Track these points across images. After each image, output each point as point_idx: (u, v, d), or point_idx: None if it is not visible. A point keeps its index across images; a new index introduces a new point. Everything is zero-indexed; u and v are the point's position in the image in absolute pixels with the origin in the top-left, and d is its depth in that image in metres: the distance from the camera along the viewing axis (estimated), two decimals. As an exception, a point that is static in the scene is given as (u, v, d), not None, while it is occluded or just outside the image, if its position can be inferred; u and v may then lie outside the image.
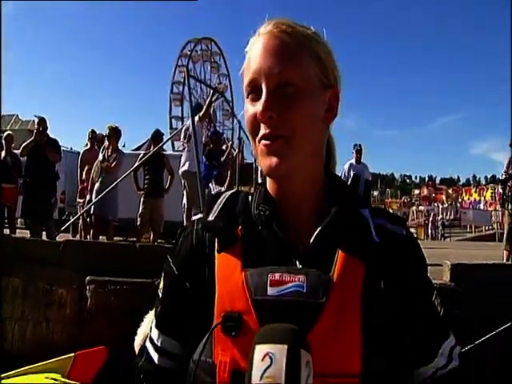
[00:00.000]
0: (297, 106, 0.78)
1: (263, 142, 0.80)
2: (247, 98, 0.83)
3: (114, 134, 7.17)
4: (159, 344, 0.89)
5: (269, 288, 0.75)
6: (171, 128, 34.24)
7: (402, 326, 0.81)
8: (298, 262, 0.80)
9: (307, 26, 0.85)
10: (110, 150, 7.08)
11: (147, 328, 2.25)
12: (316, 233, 0.81)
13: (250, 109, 0.81)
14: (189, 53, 35.60)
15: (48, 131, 6.88)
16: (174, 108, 34.78)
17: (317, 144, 0.84)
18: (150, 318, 2.24)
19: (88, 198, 7.34)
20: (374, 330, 0.75)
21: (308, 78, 0.80)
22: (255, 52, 0.81)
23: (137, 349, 2.28)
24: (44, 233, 6.63)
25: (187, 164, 6.85)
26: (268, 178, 0.88)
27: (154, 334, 0.92)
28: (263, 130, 0.80)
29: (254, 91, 0.81)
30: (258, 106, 0.79)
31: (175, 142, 29.16)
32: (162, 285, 0.92)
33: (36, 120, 6.97)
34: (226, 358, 0.75)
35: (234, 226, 0.84)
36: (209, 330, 0.77)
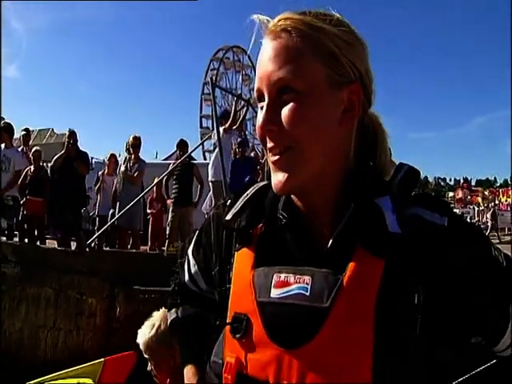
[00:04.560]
0: (300, 114, 0.70)
1: (270, 156, 0.74)
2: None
3: (138, 143, 7.17)
4: (192, 270, 0.96)
5: (272, 289, 0.71)
6: (201, 127, 34.42)
7: (439, 320, 0.69)
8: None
9: (327, 13, 0.75)
10: (132, 161, 7.07)
11: (153, 321, 2.21)
12: (332, 238, 0.73)
13: (259, 117, 0.75)
14: (220, 57, 35.73)
15: (79, 144, 7.04)
16: (205, 107, 34.74)
17: (334, 150, 0.74)
18: (157, 316, 2.21)
19: (111, 211, 7.28)
20: (392, 332, 0.66)
21: (313, 80, 0.71)
22: (260, 56, 0.75)
23: (140, 340, 2.23)
24: (74, 243, 6.78)
25: (212, 173, 6.88)
26: None
27: (191, 257, 0.97)
28: (267, 143, 0.74)
29: (260, 99, 0.75)
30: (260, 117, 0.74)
31: (204, 142, 29.30)
32: (196, 235, 0.99)
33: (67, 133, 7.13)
34: (231, 360, 0.73)
35: (253, 224, 0.80)
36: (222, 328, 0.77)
